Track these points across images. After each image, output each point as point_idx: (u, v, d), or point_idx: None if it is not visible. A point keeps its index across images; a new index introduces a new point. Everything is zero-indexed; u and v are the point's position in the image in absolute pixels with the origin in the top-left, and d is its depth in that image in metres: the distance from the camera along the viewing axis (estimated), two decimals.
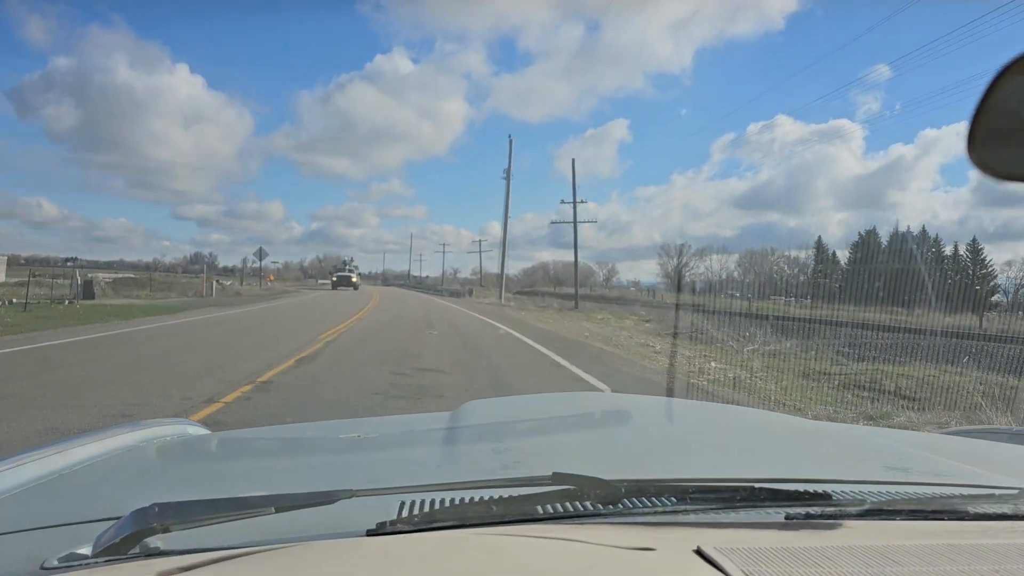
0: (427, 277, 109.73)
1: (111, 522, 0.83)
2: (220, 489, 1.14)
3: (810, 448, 1.58)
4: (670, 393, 8.37)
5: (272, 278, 31.65)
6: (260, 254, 47.79)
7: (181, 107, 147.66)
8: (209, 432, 1.75)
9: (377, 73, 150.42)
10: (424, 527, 0.85)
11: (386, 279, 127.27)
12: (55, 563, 0.78)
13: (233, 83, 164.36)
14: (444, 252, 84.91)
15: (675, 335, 17.01)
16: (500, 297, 43.44)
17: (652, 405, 2.43)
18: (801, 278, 41.40)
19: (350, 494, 0.86)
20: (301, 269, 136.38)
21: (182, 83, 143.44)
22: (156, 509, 0.79)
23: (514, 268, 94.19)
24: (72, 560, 0.79)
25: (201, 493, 0.85)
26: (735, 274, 52.28)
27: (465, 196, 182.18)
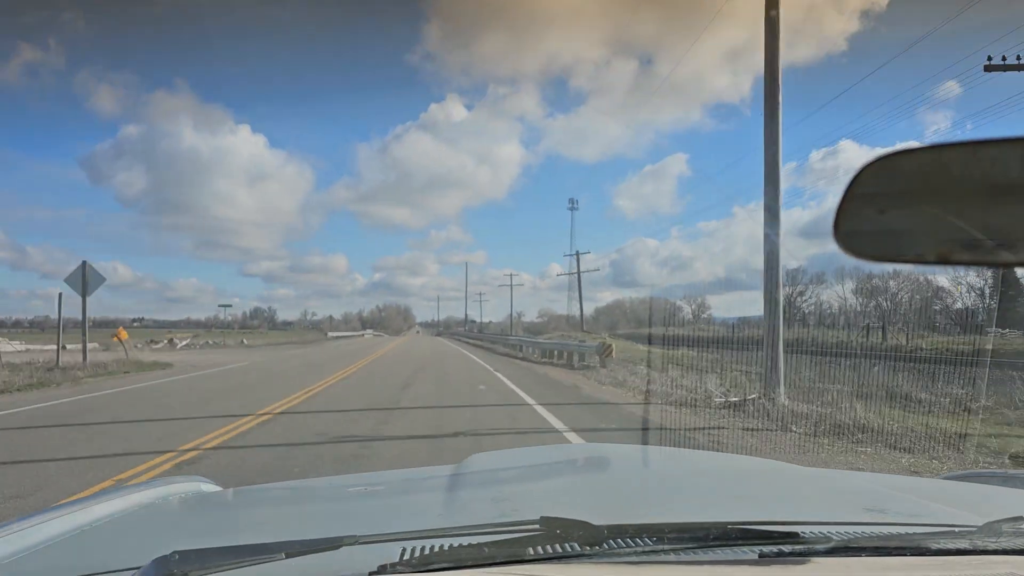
0: (489, 323, 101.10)
1: (133, 571, 0.90)
2: (234, 538, 1.16)
3: (788, 491, 1.63)
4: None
5: (124, 335, 24.21)
6: (331, 320, 51.30)
7: (244, 166, 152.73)
8: (221, 489, 1.82)
9: (432, 122, 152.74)
10: (423, 570, 0.91)
11: (447, 326, 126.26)
12: None
13: (293, 140, 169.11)
14: (511, 284, 76.48)
15: None
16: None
17: (632, 453, 2.49)
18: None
19: (354, 540, 0.94)
20: (360, 319, 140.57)
21: (244, 143, 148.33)
22: (176, 556, 0.86)
23: (578, 307, 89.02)
24: None
25: (217, 542, 0.92)
26: (853, 303, 45.62)
27: (523, 239, 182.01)
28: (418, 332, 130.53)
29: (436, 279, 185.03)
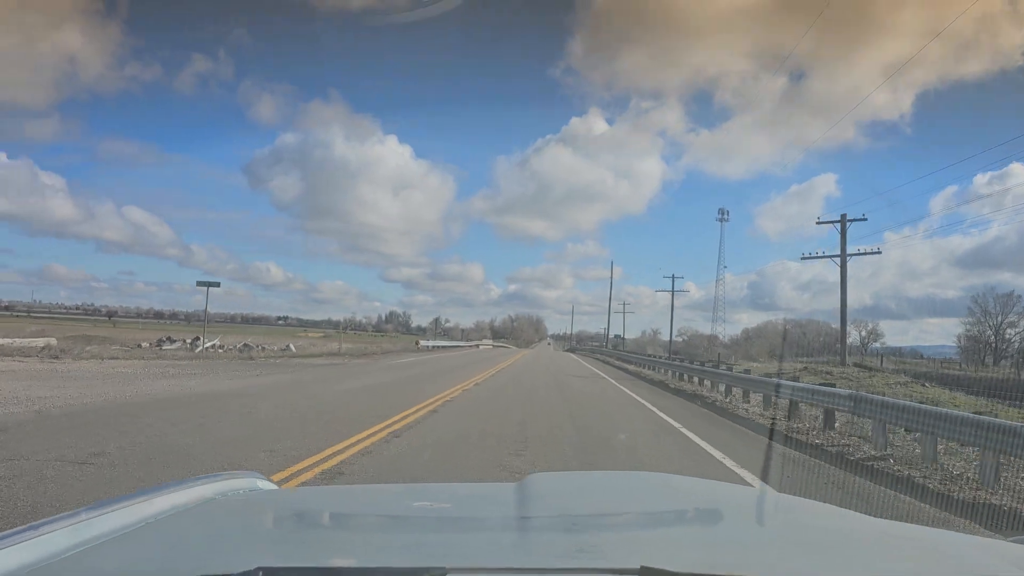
0: (623, 339, 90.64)
1: None
2: (309, 555, 1.20)
3: (897, 557, 1.45)
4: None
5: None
6: (436, 324, 46.47)
7: (390, 175, 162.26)
8: (277, 487, 1.92)
9: (572, 135, 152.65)
10: None
11: (579, 340, 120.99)
12: None
13: (437, 151, 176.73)
14: (673, 292, 63.93)
15: None
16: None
17: (746, 500, 2.30)
18: None
19: (442, 572, 0.90)
20: (491, 328, 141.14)
21: (391, 153, 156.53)
22: (260, 574, 0.85)
23: (720, 327, 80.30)
24: None
25: (290, 558, 0.97)
26: None
27: (660, 256, 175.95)
28: (549, 344, 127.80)
29: (570, 292, 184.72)
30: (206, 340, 38.40)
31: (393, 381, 18.83)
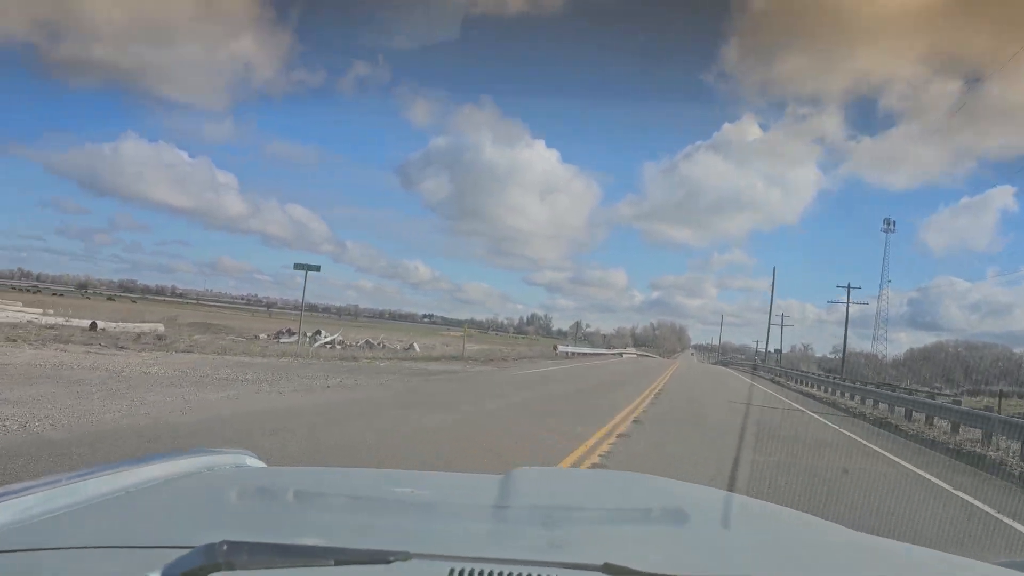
0: (770, 352, 78.85)
1: (178, 551, 0.88)
2: (278, 532, 1.22)
3: (864, 565, 1.47)
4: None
5: None
6: (577, 328, 46.87)
7: (537, 179, 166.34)
8: (265, 466, 1.82)
9: (724, 142, 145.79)
10: None
11: (724, 351, 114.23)
12: None
13: (583, 156, 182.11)
14: (848, 303, 53.47)
15: None
16: None
17: (712, 502, 2.11)
18: None
19: (405, 556, 0.92)
20: (632, 335, 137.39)
21: (539, 157, 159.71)
22: (225, 547, 0.84)
23: (881, 345, 69.69)
24: None
25: (260, 533, 0.96)
26: None
27: (812, 268, 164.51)
28: (692, 354, 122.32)
29: (713, 302, 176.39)
30: (326, 334, 35.69)
31: (504, 411, 13.26)
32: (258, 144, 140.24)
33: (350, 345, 33.89)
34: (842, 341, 55.21)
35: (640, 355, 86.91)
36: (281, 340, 31.78)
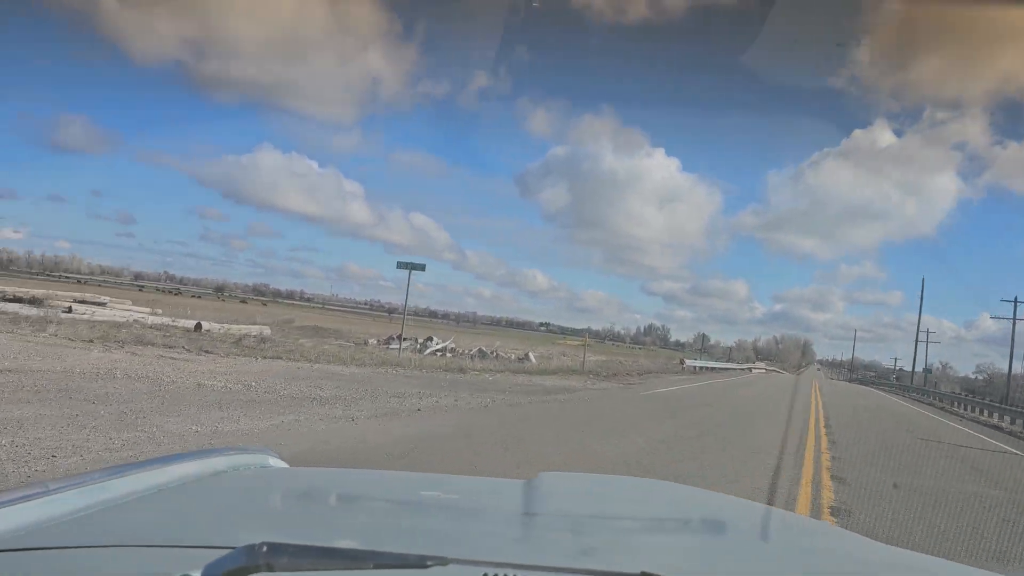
0: (902, 370, 73.22)
1: (216, 551, 0.88)
2: (314, 534, 1.22)
3: None
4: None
5: None
6: (702, 340, 44.90)
7: (656, 188, 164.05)
8: (287, 465, 1.80)
9: (854, 149, 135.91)
10: None
11: (852, 369, 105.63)
12: None
13: (704, 164, 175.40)
14: (1015, 319, 42.90)
15: None
16: None
17: (751, 515, 2.08)
18: None
19: (443, 561, 0.91)
20: (754, 348, 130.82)
21: (658, 166, 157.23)
22: (265, 548, 0.83)
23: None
24: None
25: (296, 535, 0.93)
26: None
27: (951, 284, 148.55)
28: (819, 370, 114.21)
29: (840, 316, 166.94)
30: (438, 341, 33.52)
31: (650, 455, 9.69)
32: (383, 154, 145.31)
33: (462, 353, 31.48)
34: (986, 360, 47.10)
35: (768, 370, 79.89)
36: (391, 346, 29.92)
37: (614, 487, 2.30)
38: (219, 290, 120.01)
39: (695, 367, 49.69)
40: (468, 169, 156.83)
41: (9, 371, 9.51)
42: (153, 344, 15.81)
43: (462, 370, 20.52)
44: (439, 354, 29.49)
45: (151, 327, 20.96)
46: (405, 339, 30.33)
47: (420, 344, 31.29)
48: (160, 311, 26.31)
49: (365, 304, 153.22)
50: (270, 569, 0.82)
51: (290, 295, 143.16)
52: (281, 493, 1.61)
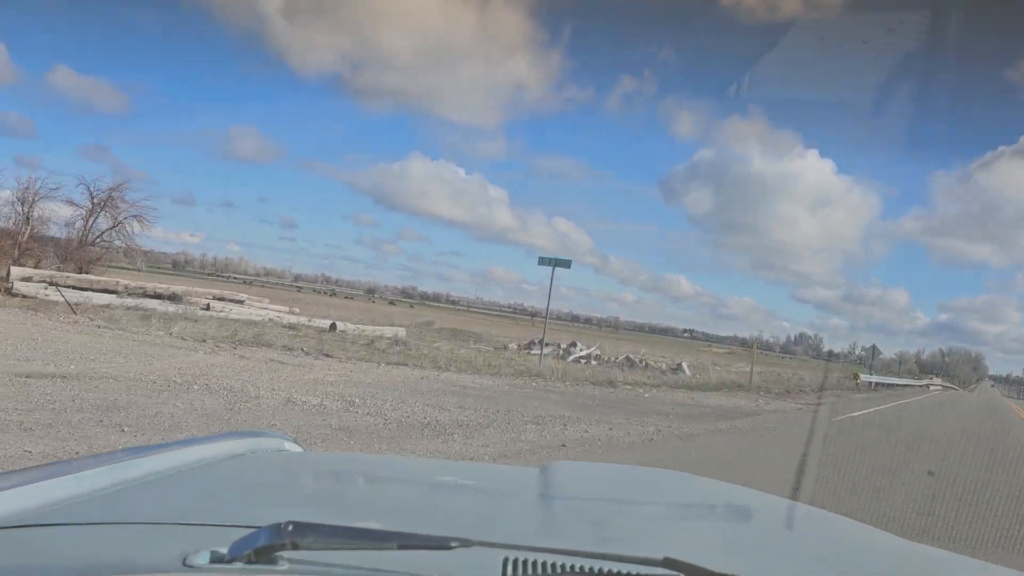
0: None
1: (240, 530, 0.90)
2: (336, 515, 1.21)
3: None
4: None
5: None
6: (873, 352, 46.15)
7: (808, 191, 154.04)
8: (302, 450, 1.81)
9: None
10: None
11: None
12: (198, 562, 0.86)
13: (861, 166, 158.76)
14: None
15: None
16: None
17: (773, 506, 2.10)
18: None
19: (467, 543, 0.91)
20: (917, 362, 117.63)
21: (811, 168, 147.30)
22: (291, 527, 0.84)
23: None
24: (213, 561, 0.86)
25: (319, 515, 0.91)
26: None
27: None
28: (993, 386, 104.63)
29: (1017, 328, 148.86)
30: (582, 347, 30.66)
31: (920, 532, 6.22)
32: (527, 159, 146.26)
33: (607, 360, 28.46)
34: None
35: (945, 387, 69.63)
36: (532, 351, 27.55)
37: (633, 476, 2.31)
38: (370, 292, 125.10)
39: (872, 383, 43.11)
40: (611, 173, 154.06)
41: (64, 377, 7.89)
42: (270, 345, 14.30)
43: (611, 383, 17.52)
44: (583, 361, 26.66)
45: (285, 326, 20.00)
46: (547, 344, 27.67)
47: (563, 350, 28.70)
48: (298, 310, 25.67)
49: (508, 307, 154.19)
50: (295, 548, 0.83)
51: (436, 298, 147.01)
52: (301, 475, 1.63)
